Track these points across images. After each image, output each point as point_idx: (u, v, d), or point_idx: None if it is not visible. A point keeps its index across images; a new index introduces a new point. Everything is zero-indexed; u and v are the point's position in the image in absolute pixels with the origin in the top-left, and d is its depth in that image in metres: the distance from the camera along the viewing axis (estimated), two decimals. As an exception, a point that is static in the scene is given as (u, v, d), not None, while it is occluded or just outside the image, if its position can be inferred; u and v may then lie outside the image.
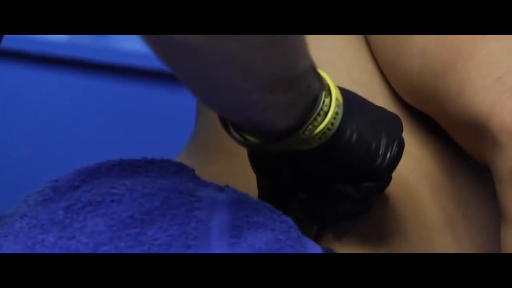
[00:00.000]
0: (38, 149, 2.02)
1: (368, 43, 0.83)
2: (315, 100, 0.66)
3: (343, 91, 0.68)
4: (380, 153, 0.71)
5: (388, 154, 0.71)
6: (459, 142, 0.78)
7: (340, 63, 0.78)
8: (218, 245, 0.66)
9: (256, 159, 0.72)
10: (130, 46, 1.87)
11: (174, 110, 1.60)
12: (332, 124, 0.67)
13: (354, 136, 0.69)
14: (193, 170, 0.74)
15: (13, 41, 1.89)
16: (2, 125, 2.03)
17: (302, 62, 0.64)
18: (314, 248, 0.68)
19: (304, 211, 0.77)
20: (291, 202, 0.77)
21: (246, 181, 0.80)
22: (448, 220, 0.80)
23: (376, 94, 0.79)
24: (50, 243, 0.66)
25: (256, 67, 0.61)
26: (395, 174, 0.74)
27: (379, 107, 0.74)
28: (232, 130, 0.69)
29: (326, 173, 0.72)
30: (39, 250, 0.65)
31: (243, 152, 0.77)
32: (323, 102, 0.67)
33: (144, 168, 0.72)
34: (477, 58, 0.74)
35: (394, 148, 0.72)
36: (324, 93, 0.67)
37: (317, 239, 0.78)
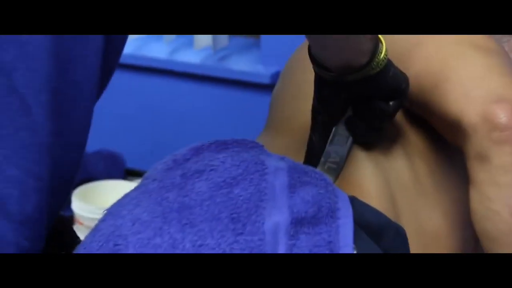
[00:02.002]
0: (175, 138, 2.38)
1: None
2: (377, 43, 0.92)
3: None
4: (403, 80, 0.94)
5: (406, 82, 0.95)
6: (442, 133, 0.98)
7: None
8: (281, 198, 0.79)
9: (325, 89, 0.96)
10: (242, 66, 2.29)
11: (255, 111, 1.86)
12: (385, 57, 0.92)
13: (392, 70, 0.94)
14: (263, 146, 0.89)
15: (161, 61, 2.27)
16: (154, 122, 2.45)
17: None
18: (343, 196, 0.83)
19: (349, 126, 0.98)
20: (340, 121, 0.98)
21: (299, 148, 1.01)
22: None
23: None
24: (172, 199, 0.79)
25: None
26: None
27: None
28: (322, 70, 0.94)
29: (373, 93, 0.94)
30: (165, 204, 0.78)
31: (299, 129, 1.00)
32: (380, 44, 0.92)
33: (231, 145, 0.87)
34: (451, 81, 0.94)
35: (407, 80, 0.96)
36: (379, 41, 0.93)
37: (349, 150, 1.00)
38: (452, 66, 0.94)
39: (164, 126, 2.47)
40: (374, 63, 0.91)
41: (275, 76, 2.24)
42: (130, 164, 2.26)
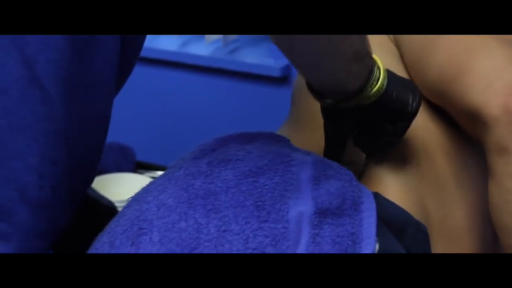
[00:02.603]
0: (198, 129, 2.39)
1: (400, 55, 1.01)
2: (372, 71, 0.87)
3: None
4: (409, 103, 0.91)
5: (414, 103, 0.92)
6: (462, 126, 0.97)
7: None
8: (305, 189, 0.79)
9: (329, 113, 0.93)
10: (252, 59, 2.27)
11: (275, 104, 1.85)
12: (382, 85, 0.88)
13: (394, 94, 0.91)
14: (289, 140, 0.90)
15: (173, 54, 2.23)
16: (175, 114, 2.42)
17: (365, 45, 0.85)
18: (366, 191, 0.83)
19: (358, 143, 0.97)
20: (348, 139, 0.96)
21: (321, 143, 1.00)
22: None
23: None
24: (198, 185, 0.79)
25: (343, 50, 0.83)
26: None
27: (403, 77, 0.94)
28: (318, 97, 0.91)
29: (377, 117, 0.92)
30: (191, 191, 0.78)
31: (320, 125, 0.97)
32: (376, 72, 0.88)
33: (258, 137, 0.88)
34: (474, 71, 0.92)
35: (417, 100, 0.92)
36: (376, 66, 0.88)
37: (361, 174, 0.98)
38: (474, 57, 0.93)
39: (175, 119, 2.48)
40: (367, 92, 0.88)
41: (285, 69, 2.25)
42: (141, 157, 2.27)
